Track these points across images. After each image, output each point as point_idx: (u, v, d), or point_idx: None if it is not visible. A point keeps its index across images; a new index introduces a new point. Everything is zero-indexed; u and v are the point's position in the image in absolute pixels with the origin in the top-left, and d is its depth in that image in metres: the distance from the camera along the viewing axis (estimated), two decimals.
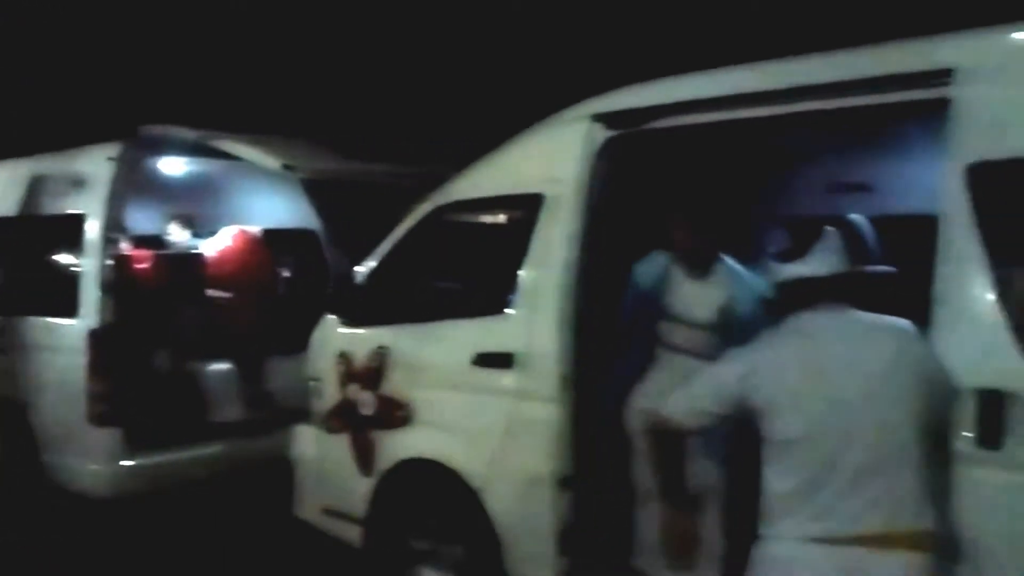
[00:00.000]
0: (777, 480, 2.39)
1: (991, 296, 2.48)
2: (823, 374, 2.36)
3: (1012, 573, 2.42)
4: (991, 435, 2.43)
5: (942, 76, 2.65)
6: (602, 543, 3.56)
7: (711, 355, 3.14)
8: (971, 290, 2.51)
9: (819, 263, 2.47)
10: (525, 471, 3.55)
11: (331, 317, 4.44)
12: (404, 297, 4.28)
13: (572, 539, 3.48)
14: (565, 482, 3.46)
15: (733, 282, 3.49)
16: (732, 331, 3.29)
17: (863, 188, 4.27)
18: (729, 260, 3.54)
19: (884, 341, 2.41)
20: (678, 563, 2.80)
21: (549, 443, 3.46)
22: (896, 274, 3.14)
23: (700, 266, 3.51)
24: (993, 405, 2.42)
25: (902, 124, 3.26)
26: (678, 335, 3.47)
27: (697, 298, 3.47)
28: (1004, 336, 2.44)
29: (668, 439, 2.71)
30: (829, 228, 2.51)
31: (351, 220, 5.64)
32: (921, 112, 2.80)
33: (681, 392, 2.65)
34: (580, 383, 3.46)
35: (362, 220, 5.14)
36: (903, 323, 2.47)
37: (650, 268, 3.53)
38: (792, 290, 2.51)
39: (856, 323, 2.46)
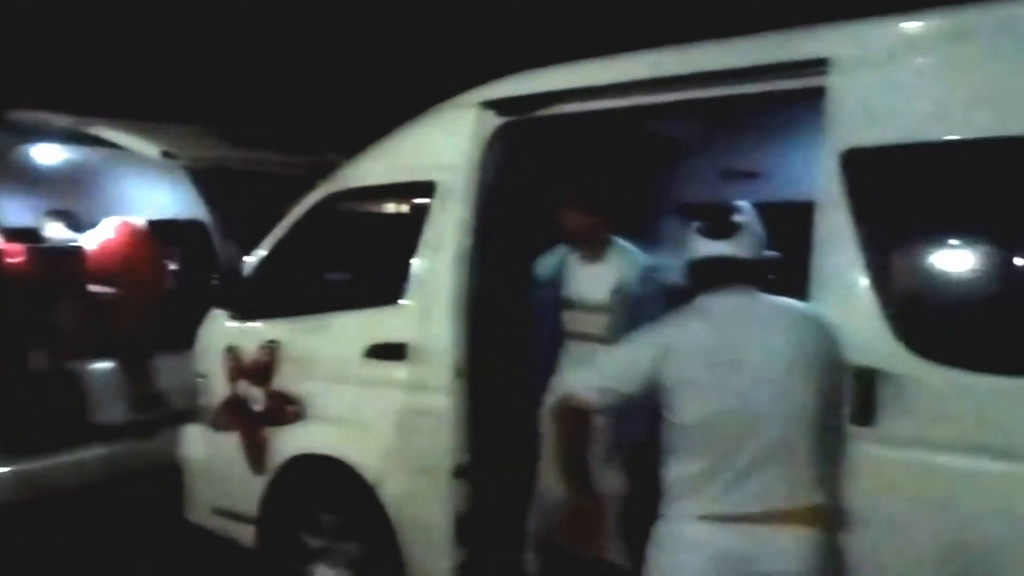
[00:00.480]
0: (681, 461, 2.42)
1: (865, 279, 2.56)
2: (733, 357, 2.39)
3: (888, 545, 2.51)
4: (865, 412, 2.51)
5: (818, 65, 2.72)
6: (500, 534, 3.55)
7: (610, 338, 3.15)
8: (846, 273, 2.59)
9: (741, 245, 2.51)
10: (420, 463, 3.51)
11: (218, 311, 4.30)
12: (294, 289, 4.18)
13: (469, 530, 3.46)
14: (461, 473, 3.44)
15: (624, 262, 3.49)
16: (628, 311, 3.32)
17: (753, 175, 4.39)
18: (621, 241, 3.55)
19: (790, 324, 2.47)
20: (578, 547, 2.81)
21: (444, 434, 3.43)
22: (781, 259, 3.23)
23: (592, 249, 3.51)
24: (867, 383, 2.51)
25: (788, 113, 3.35)
26: (577, 321, 3.47)
27: (591, 281, 3.47)
28: (877, 317, 2.53)
29: (572, 419, 2.63)
30: (750, 211, 2.57)
31: (242, 210, 5.46)
32: (804, 101, 2.87)
33: (590, 370, 2.63)
34: (475, 373, 3.44)
35: (254, 210, 4.98)
36: (807, 307, 2.55)
37: (549, 260, 3.54)
38: (711, 268, 2.53)
39: (764, 306, 2.51)
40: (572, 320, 3.49)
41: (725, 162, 4.35)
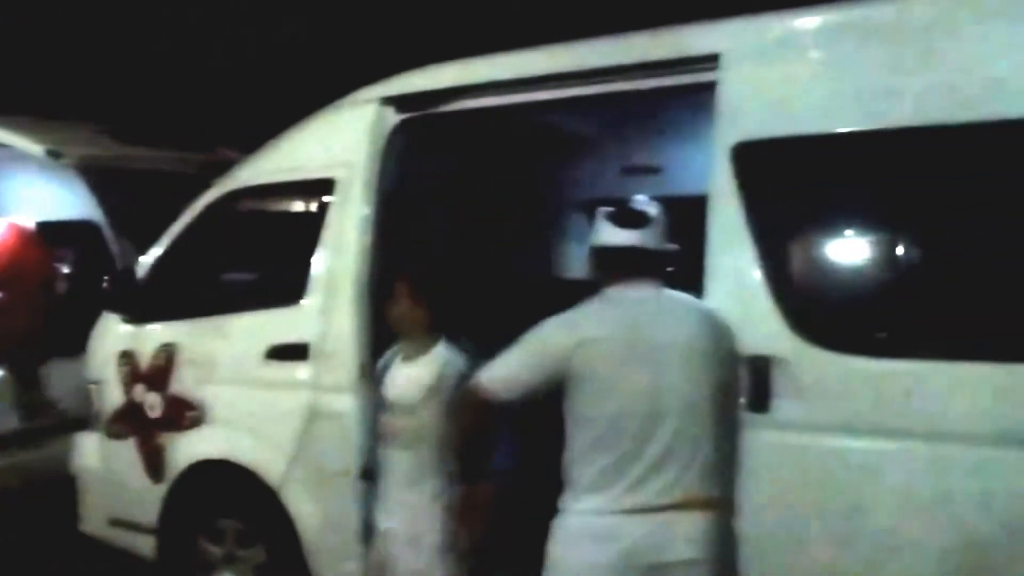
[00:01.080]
0: (589, 455, 2.41)
1: (757, 269, 2.62)
2: (644, 351, 2.41)
3: (784, 526, 2.59)
4: (760, 399, 2.58)
5: (709, 61, 2.78)
6: None
7: (419, 446, 2.93)
8: (739, 264, 2.65)
9: (650, 237, 2.53)
10: (325, 465, 3.44)
11: (111, 314, 4.14)
12: (191, 290, 4.05)
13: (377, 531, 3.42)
14: (367, 474, 3.38)
15: (442, 362, 2.97)
16: (437, 416, 2.92)
17: (655, 171, 4.46)
18: (446, 339, 3.03)
19: (692, 319, 2.51)
20: (473, 543, 2.80)
21: (348, 435, 3.36)
22: (681, 252, 3.28)
23: (414, 344, 3.04)
24: (761, 371, 2.57)
25: (688, 107, 3.40)
26: (389, 424, 3.04)
27: (406, 380, 3.00)
28: (769, 306, 2.60)
29: (474, 410, 2.60)
30: (657, 205, 2.59)
31: (137, 210, 5.27)
32: (700, 95, 2.92)
33: (499, 361, 2.55)
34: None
35: (149, 209, 4.81)
36: (703, 303, 2.61)
37: (387, 354, 3.15)
38: (621, 258, 2.53)
39: (668, 300, 2.54)
40: (385, 423, 3.04)
41: (628, 158, 4.40)
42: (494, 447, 2.78)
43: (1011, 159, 2.44)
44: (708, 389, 2.44)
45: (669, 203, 3.15)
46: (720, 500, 2.45)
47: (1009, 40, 2.43)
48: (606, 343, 2.42)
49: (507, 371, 2.52)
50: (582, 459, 2.44)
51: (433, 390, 2.92)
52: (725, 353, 2.53)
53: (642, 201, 2.59)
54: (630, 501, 2.36)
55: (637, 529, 2.35)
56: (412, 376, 2.99)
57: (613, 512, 2.37)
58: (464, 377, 2.81)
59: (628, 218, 2.54)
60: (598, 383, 2.40)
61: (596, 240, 2.59)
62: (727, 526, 2.49)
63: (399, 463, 2.99)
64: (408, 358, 3.04)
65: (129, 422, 4.03)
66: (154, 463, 3.92)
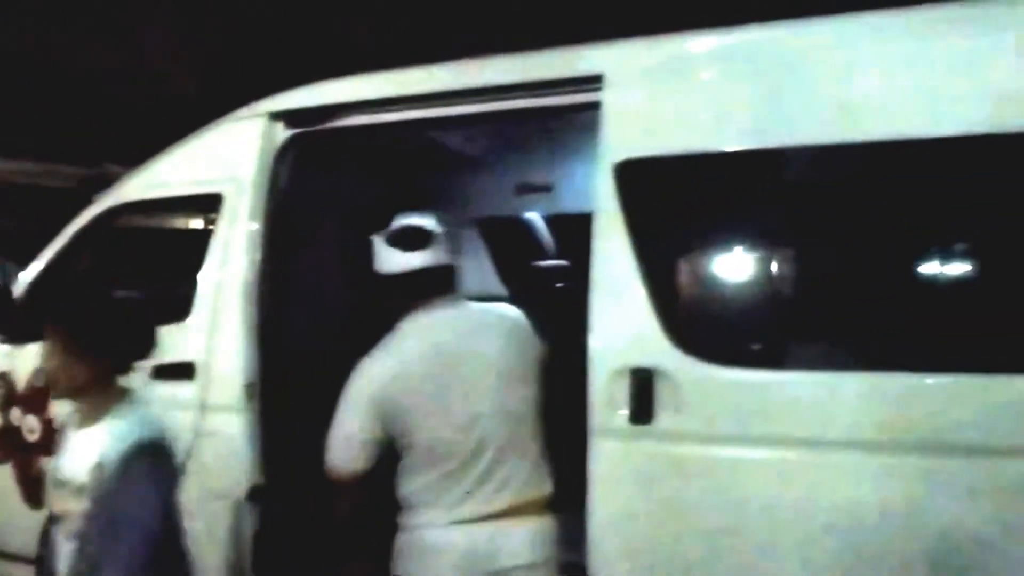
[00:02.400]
0: (420, 474, 2.40)
1: (640, 284, 2.69)
2: (455, 373, 2.39)
3: (665, 533, 2.66)
4: (643, 411, 2.64)
5: (594, 81, 2.85)
6: (297, 554, 3.46)
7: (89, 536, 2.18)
8: (623, 279, 2.71)
9: (439, 253, 2.48)
10: (211, 486, 3.34)
11: None
12: None
13: (265, 552, 3.35)
14: (255, 494, 3.32)
15: (116, 429, 2.23)
16: (101, 501, 2.16)
17: (547, 189, 4.54)
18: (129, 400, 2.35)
19: (499, 330, 2.51)
20: None
21: (236, 455, 3.30)
22: (568, 267, 3.34)
23: (88, 407, 2.33)
24: (644, 383, 2.64)
25: (579, 127, 3.47)
26: (59, 501, 2.33)
27: (74, 451, 2.31)
28: (651, 319, 2.67)
29: (352, 490, 2.44)
30: (436, 218, 2.53)
31: (18, 226, 5.07)
32: (587, 115, 2.99)
33: (331, 434, 2.43)
34: (268, 391, 3.34)
35: (25, 225, 4.63)
36: (511, 310, 2.61)
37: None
38: (414, 281, 2.46)
39: (472, 315, 2.53)
40: (55, 498, 2.35)
41: (520, 176, 4.46)
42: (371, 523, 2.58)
43: (881, 178, 2.59)
44: (525, 399, 2.47)
45: (561, 220, 3.21)
46: (548, 502, 2.48)
47: (876, 65, 2.57)
48: (418, 371, 2.37)
49: (343, 442, 2.41)
50: (414, 479, 2.42)
51: (98, 467, 2.18)
52: (535, 355, 2.55)
53: (420, 218, 2.51)
54: (466, 511, 2.37)
55: (471, 538, 2.36)
56: (80, 449, 2.27)
57: (444, 525, 2.37)
58: (144, 450, 2.17)
59: (411, 239, 2.46)
60: (416, 414, 2.36)
61: (383, 268, 2.49)
62: (555, 526, 2.49)
63: (66, 556, 2.26)
64: (82, 423, 2.33)
65: (6, 446, 3.85)
66: (32, 489, 3.75)
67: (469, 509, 2.36)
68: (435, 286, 2.48)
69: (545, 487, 2.48)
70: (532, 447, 2.47)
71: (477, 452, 2.37)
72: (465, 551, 2.35)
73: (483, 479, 2.37)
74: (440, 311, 2.46)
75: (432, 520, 2.39)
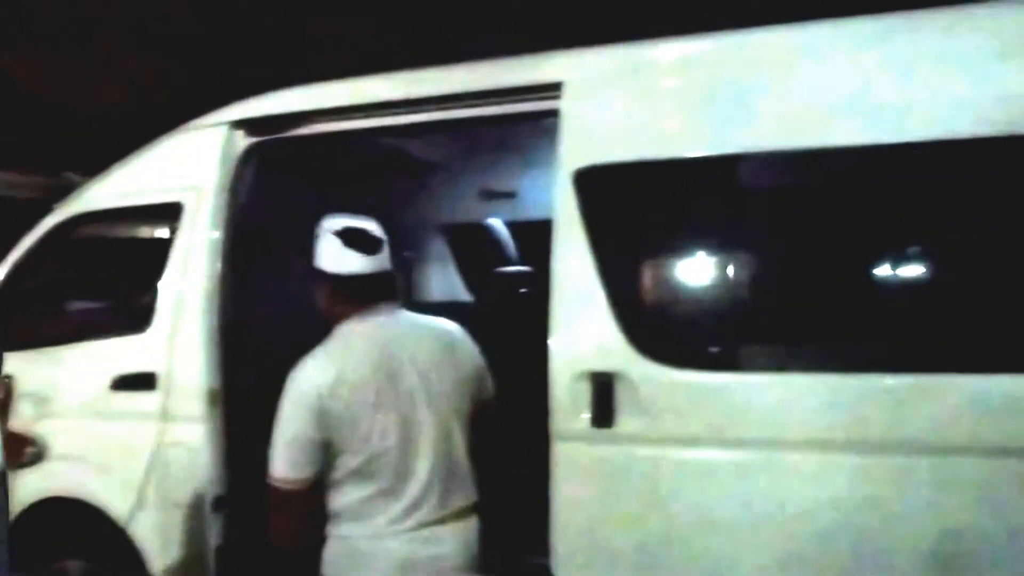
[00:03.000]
0: (357, 486, 2.34)
1: (600, 289, 2.71)
2: (395, 384, 2.35)
3: (626, 540, 2.68)
4: (604, 415, 2.67)
5: (553, 89, 2.88)
6: (263, 563, 3.44)
7: None
8: (582, 285, 2.73)
9: (387, 260, 2.46)
10: (175, 497, 3.33)
11: None
12: (31, 320, 3.86)
13: (230, 562, 3.33)
14: (219, 505, 3.30)
15: None
16: None
17: (511, 195, 4.56)
18: None
19: (434, 340, 2.49)
20: None
21: (199, 465, 3.28)
22: (531, 273, 3.35)
23: None
24: (605, 387, 2.67)
25: (541, 134, 3.49)
26: None
27: None
28: (612, 325, 2.69)
29: (288, 514, 2.36)
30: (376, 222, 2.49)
31: None
32: (548, 122, 3.01)
33: (273, 448, 2.34)
34: (231, 400, 3.32)
35: None
36: (449, 323, 2.58)
37: None
38: (365, 285, 2.42)
39: (409, 324, 2.49)
40: None
41: (484, 182, 4.48)
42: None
43: (837, 184, 2.64)
44: (459, 411, 2.46)
45: (524, 226, 3.23)
46: (475, 506, 2.49)
47: (846, 72, 2.62)
48: (358, 379, 2.31)
49: (290, 446, 2.31)
50: (344, 492, 2.36)
51: None
52: (471, 370, 2.54)
53: (362, 221, 2.47)
54: (398, 526, 2.34)
55: (406, 546, 2.34)
56: None
57: (391, 534, 2.34)
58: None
59: (366, 242, 2.42)
60: (356, 423, 2.30)
61: (332, 267, 2.41)
62: (481, 527, 2.51)
63: None
64: None
65: None
66: None
67: (407, 522, 2.34)
68: (381, 292, 2.44)
69: (473, 495, 2.48)
70: (464, 459, 2.46)
71: (415, 467, 2.34)
72: (403, 558, 2.33)
73: (421, 495, 2.34)
74: (381, 318, 2.42)
75: (369, 530, 2.34)
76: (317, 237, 2.46)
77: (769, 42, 2.76)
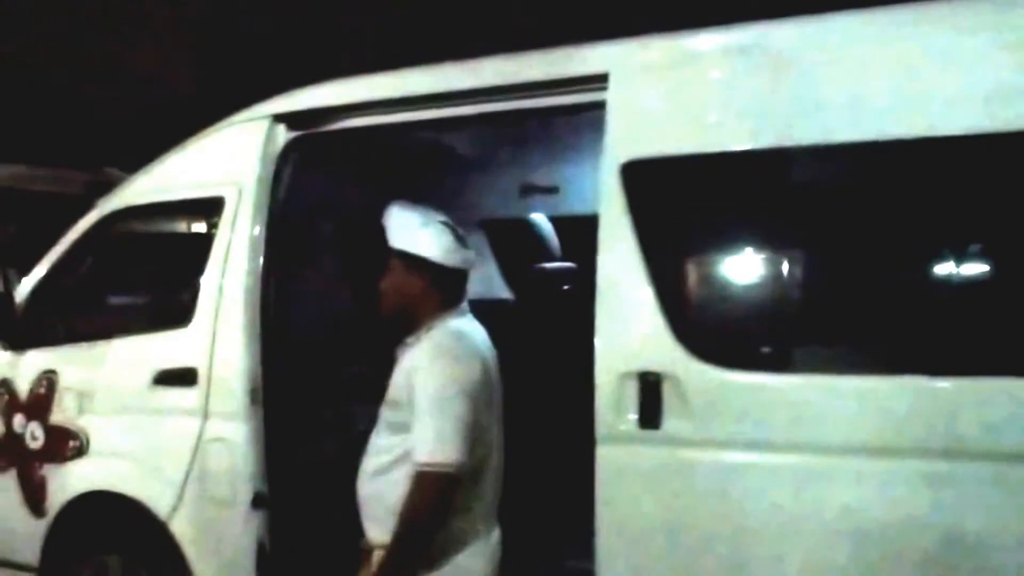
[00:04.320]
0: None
1: (648, 287, 2.64)
2: (492, 388, 2.44)
3: (670, 542, 2.62)
4: (651, 416, 2.60)
5: (599, 80, 2.80)
6: (304, 562, 3.42)
7: None
8: (630, 282, 2.66)
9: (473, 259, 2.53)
10: (215, 494, 3.32)
11: None
12: (75, 314, 3.88)
13: (271, 560, 3.31)
14: (259, 501, 3.28)
15: None
16: None
17: (553, 190, 4.49)
18: None
19: (490, 347, 2.55)
20: None
21: (239, 461, 3.25)
22: (575, 270, 3.27)
23: None
24: (653, 387, 2.59)
25: (581, 127, 3.42)
26: None
27: None
28: (659, 322, 2.62)
29: (445, 487, 2.30)
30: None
31: (15, 230, 5.03)
32: (593, 115, 2.94)
33: (440, 430, 2.27)
34: (272, 397, 3.30)
35: (28, 230, 4.60)
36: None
37: None
38: (462, 281, 2.51)
39: (480, 329, 2.56)
40: None
41: (526, 177, 4.42)
42: None
43: (894, 179, 2.54)
44: (499, 416, 2.51)
45: (567, 222, 3.15)
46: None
47: (888, 63, 2.52)
48: (483, 379, 2.38)
49: (456, 427, 2.26)
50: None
51: None
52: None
53: (432, 213, 2.52)
54: (482, 529, 2.44)
55: (493, 535, 2.48)
56: None
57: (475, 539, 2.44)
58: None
59: (462, 236, 2.46)
60: (478, 424, 2.34)
61: (440, 258, 2.41)
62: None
63: None
64: None
65: (8, 454, 3.82)
66: (35, 497, 3.72)
67: (490, 523, 2.47)
68: (465, 290, 2.51)
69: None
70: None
71: (495, 474, 2.45)
72: (494, 545, 2.45)
73: (494, 499, 2.47)
74: (468, 320, 2.49)
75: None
76: (403, 220, 2.46)
77: (829, 28, 2.65)
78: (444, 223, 2.46)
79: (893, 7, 2.58)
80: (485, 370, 2.39)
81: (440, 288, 2.45)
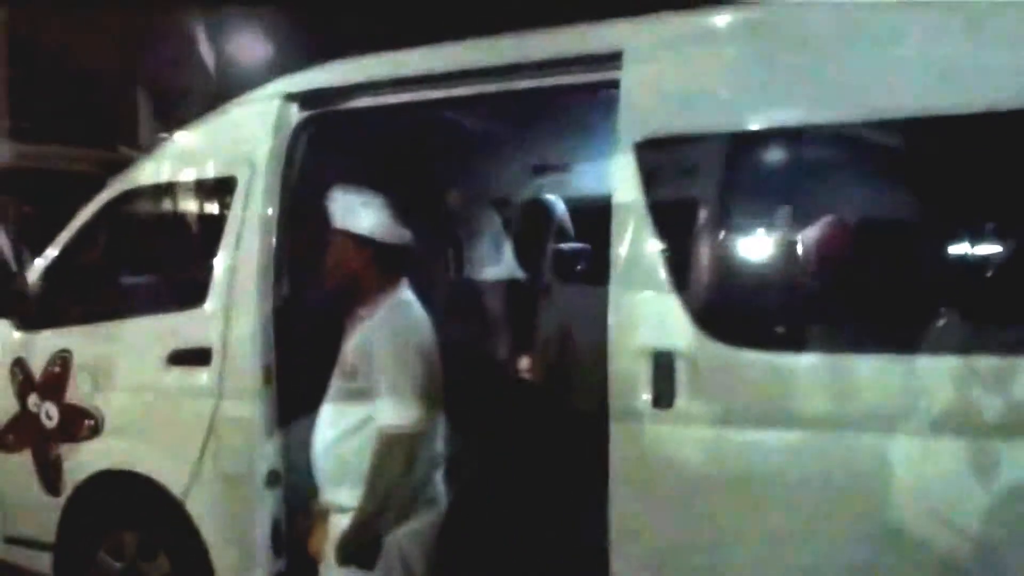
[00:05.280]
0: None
1: (662, 266, 2.64)
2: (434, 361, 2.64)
3: (684, 520, 2.63)
4: (665, 394, 2.60)
5: (613, 59, 2.78)
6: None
7: None
8: (644, 261, 2.66)
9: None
10: (230, 472, 3.34)
11: (1, 321, 3.95)
12: (88, 294, 3.89)
13: (286, 538, 3.34)
14: (273, 479, 3.30)
15: None
16: None
17: (565, 169, 4.47)
18: None
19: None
20: None
21: (253, 440, 3.27)
22: (588, 250, 3.26)
23: None
24: (666, 366, 2.59)
25: (594, 105, 3.40)
26: None
27: None
28: (672, 301, 2.62)
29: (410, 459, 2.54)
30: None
31: (28, 209, 5.03)
32: (606, 93, 2.92)
33: (402, 395, 2.51)
34: (285, 375, 3.31)
35: (42, 209, 4.60)
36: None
37: None
38: (403, 257, 2.68)
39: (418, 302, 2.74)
40: None
41: (539, 156, 4.39)
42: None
43: (904, 157, 2.52)
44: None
45: (580, 201, 3.14)
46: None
47: (905, 40, 2.50)
48: (433, 347, 2.63)
49: (420, 397, 2.51)
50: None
51: None
52: None
53: (366, 194, 2.70)
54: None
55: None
56: None
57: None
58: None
59: (400, 215, 2.64)
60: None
61: (378, 234, 2.63)
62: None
63: None
64: None
65: (23, 433, 3.84)
66: (51, 476, 3.75)
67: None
68: (405, 266, 2.69)
69: None
70: None
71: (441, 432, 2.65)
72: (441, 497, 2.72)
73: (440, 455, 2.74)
74: (410, 293, 2.67)
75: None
76: (345, 202, 2.66)
77: (846, 7, 2.62)
78: (382, 203, 2.63)
79: None
80: (432, 339, 2.60)
81: (380, 263, 2.63)
